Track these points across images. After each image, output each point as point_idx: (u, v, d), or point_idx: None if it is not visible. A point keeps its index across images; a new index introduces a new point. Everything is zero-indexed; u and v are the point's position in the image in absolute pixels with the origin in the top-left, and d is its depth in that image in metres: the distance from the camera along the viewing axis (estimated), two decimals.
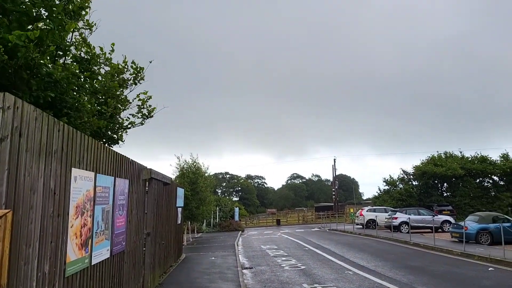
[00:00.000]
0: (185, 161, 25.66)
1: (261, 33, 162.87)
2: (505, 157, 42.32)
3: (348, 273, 12.21)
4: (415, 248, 18.25)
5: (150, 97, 8.01)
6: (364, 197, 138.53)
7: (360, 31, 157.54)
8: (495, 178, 42.40)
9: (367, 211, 32.86)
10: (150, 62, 7.99)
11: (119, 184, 6.72)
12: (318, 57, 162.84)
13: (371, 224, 31.02)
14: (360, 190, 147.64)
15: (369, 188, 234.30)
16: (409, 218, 24.26)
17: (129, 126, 7.81)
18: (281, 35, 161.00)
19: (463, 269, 12.30)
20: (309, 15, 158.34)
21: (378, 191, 44.05)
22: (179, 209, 15.38)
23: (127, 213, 7.29)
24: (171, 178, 11.57)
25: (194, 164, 25.95)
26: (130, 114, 7.82)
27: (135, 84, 7.90)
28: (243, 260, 15.99)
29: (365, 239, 23.88)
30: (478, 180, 42.10)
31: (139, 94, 7.85)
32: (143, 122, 8.05)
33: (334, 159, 65.27)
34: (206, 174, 26.82)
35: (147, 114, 8.01)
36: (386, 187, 43.45)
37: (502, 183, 41.78)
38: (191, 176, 25.04)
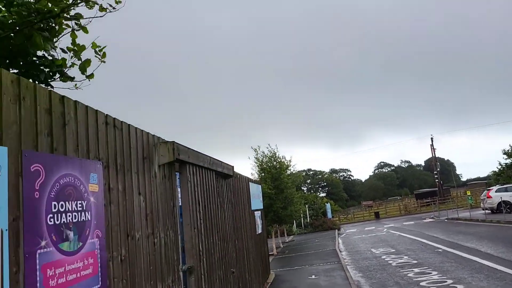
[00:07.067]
0: (263, 153, 21.46)
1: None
2: None
3: None
4: None
5: None
6: (463, 179, 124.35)
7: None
8: None
9: (496, 191, 26.06)
10: None
11: (50, 170, 2.44)
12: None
13: (504, 207, 24.37)
14: (457, 172, 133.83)
15: (465, 168, 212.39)
16: None
17: (76, 17, 3.45)
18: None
19: None
20: None
21: (499, 166, 36.12)
22: (257, 214, 10.99)
23: (102, 244, 3.00)
24: (232, 167, 7.17)
25: (274, 157, 21.61)
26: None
27: None
28: (357, 277, 11.17)
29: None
30: None
31: None
32: (106, 9, 3.63)
33: (432, 138, 57.57)
34: (291, 169, 22.39)
35: None
36: (509, 160, 35.41)
37: None
38: (273, 171, 20.80)
